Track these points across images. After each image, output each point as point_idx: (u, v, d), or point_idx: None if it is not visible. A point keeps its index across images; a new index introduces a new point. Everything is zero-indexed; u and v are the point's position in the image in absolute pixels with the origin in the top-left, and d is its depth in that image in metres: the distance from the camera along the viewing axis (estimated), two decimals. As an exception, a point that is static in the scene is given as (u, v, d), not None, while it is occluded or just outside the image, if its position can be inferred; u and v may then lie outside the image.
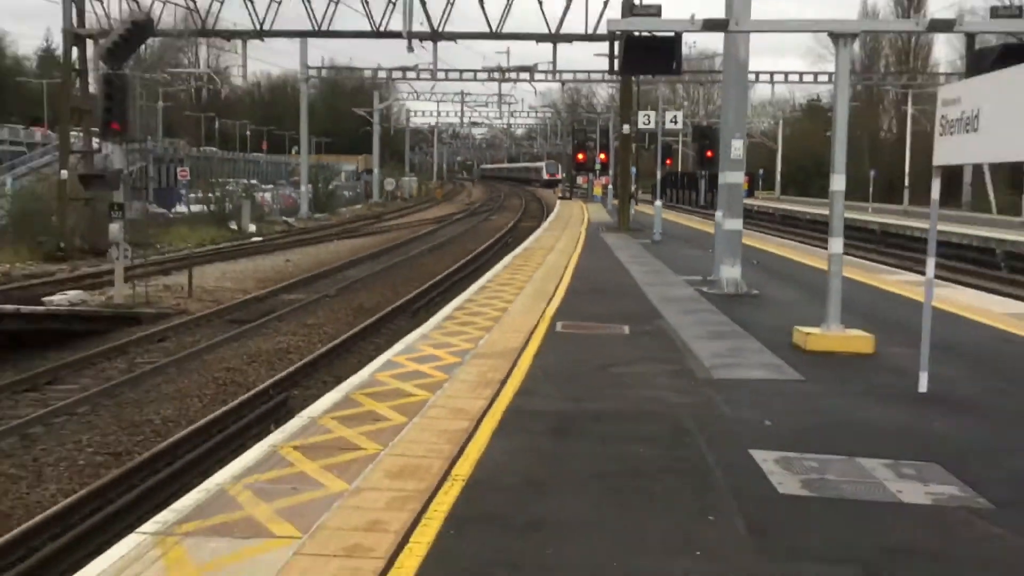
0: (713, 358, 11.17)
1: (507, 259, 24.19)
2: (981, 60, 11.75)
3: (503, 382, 9.55)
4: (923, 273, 23.55)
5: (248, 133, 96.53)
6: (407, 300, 23.86)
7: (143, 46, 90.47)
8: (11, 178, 45.79)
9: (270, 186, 70.32)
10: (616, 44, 15.79)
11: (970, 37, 12.04)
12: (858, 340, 11.81)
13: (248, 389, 14.63)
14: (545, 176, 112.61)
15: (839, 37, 11.71)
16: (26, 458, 11.31)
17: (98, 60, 22.93)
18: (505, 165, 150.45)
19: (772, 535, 5.79)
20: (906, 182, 56.40)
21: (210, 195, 48.31)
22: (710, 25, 11.82)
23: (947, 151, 9.36)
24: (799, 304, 16.42)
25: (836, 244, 12.04)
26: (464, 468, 6.78)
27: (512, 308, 14.79)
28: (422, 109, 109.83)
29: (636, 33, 11.83)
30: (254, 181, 70.62)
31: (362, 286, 27.76)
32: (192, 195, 52.69)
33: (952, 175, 68.15)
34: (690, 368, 10.63)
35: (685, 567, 5.24)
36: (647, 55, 11.82)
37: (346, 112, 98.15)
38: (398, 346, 11.64)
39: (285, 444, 7.22)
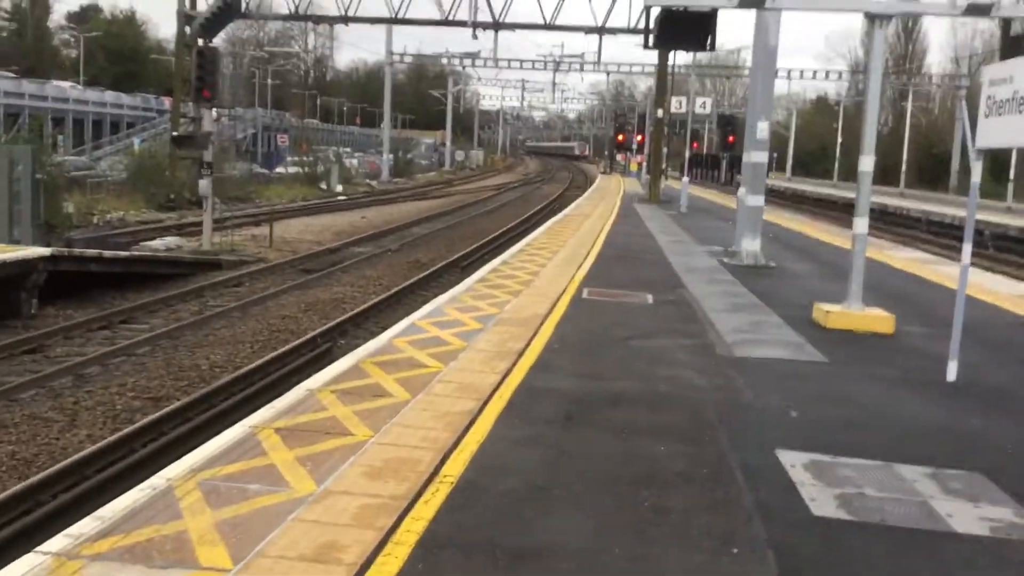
0: (734, 333, 9.19)
1: (547, 224, 22.21)
2: (1018, 45, 9.50)
3: (520, 353, 7.68)
4: (927, 252, 21.12)
5: (345, 109, 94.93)
6: (460, 256, 22.02)
7: (261, 31, 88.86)
8: (139, 139, 44.48)
9: (360, 153, 68.61)
10: (651, 21, 13.50)
11: (1006, 23, 9.81)
12: (879, 320, 9.77)
13: (298, 336, 12.92)
14: (576, 152, 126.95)
15: (875, 18, 9.55)
16: (68, 400, 9.67)
17: (194, 35, 21.25)
18: (544, 144, 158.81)
19: (810, 582, 3.91)
20: (903, 168, 53.29)
21: (304, 158, 46.72)
22: (747, 1, 9.71)
23: (994, 133, 7.27)
24: (813, 277, 14.35)
25: (861, 224, 9.94)
26: (457, 465, 4.94)
27: (543, 272, 12.87)
28: (490, 93, 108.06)
29: (672, 8, 9.75)
30: (347, 149, 68.94)
31: (422, 242, 25.95)
32: (292, 159, 51.15)
33: (942, 159, 64.74)
34: (711, 343, 8.68)
35: (703, 636, 3.38)
36: (682, 30, 9.76)
37: (428, 94, 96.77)
38: (426, 308, 9.80)
39: (266, 425, 5.42)
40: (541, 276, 12.41)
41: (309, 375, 8.48)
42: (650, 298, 11.10)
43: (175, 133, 21.90)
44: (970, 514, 4.79)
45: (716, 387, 7.01)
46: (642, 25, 28.78)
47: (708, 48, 9.78)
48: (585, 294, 11.11)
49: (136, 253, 18.29)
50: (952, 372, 7.65)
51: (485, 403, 6.14)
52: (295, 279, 18.18)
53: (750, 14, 15.40)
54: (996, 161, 52.24)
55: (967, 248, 7.75)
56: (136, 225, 26.39)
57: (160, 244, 22.16)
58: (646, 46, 23.63)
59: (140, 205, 30.64)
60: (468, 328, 8.65)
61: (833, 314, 9.77)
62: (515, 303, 10.14)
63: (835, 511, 4.72)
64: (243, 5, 25.64)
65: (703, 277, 13.32)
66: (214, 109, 21.62)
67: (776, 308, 10.79)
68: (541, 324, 8.98)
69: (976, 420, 6.55)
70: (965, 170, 57.84)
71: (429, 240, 26.60)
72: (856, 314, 9.76)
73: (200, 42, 20.68)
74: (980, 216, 31.32)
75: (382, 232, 27.64)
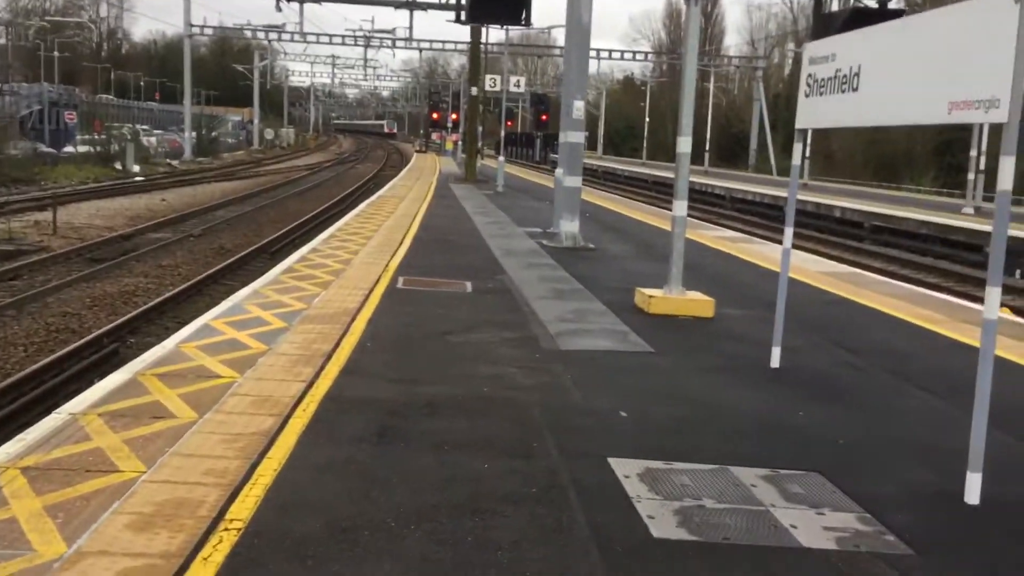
0: (558, 323, 8.76)
1: (361, 206, 21.30)
2: (829, 23, 9.53)
3: (329, 355, 6.93)
4: (734, 230, 21.61)
5: (142, 84, 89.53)
6: (268, 241, 20.79)
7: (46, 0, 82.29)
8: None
9: (159, 131, 64.68)
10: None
11: (817, 1, 9.80)
12: (699, 304, 9.60)
13: (80, 336, 11.58)
14: (386, 130, 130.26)
15: (691, -5, 9.32)
16: None
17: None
18: (355, 121, 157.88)
19: (658, 629, 3.42)
20: (707, 147, 55.24)
21: (97, 136, 43.45)
22: (562, -26, 9.25)
23: (815, 113, 7.08)
24: (632, 258, 14.25)
25: (680, 207, 9.75)
26: (247, 504, 4.18)
27: (356, 260, 12.07)
28: (300, 69, 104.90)
29: (485, -21, 9.15)
30: (145, 127, 64.78)
31: (227, 226, 24.44)
32: (83, 137, 47.45)
33: (740, 139, 67.67)
34: (535, 335, 8.20)
35: None
36: (495, 4, 9.20)
37: (233, 68, 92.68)
38: (223, 305, 8.83)
39: (11, 464, 4.44)
40: (353, 264, 11.62)
41: (91, 382, 7.44)
42: (469, 286, 10.54)
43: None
44: (814, 524, 4.46)
45: (542, 386, 6.51)
46: (453, 1, 28.17)
47: (524, 23, 9.30)
48: (400, 283, 10.43)
49: None
50: (776, 358, 7.49)
51: (286, 420, 5.38)
52: (81, 270, 16.51)
53: (563, -9, 15.03)
54: (791, 137, 55.02)
55: (788, 232, 7.59)
56: None
57: (-77, 233, 19.75)
58: (458, 20, 22.85)
59: (-98, 189, 27.51)
60: (271, 327, 7.80)
61: (655, 299, 9.52)
62: (324, 296, 9.33)
63: (675, 530, 4.28)
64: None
65: (523, 261, 12.91)
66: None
67: (598, 293, 10.48)
68: (352, 320, 8.23)
69: (804, 410, 6.34)
70: (762, 147, 60.77)
71: (235, 224, 25.10)
72: (677, 299, 9.56)
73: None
74: (779, 192, 32.72)
75: (183, 216, 25.88)
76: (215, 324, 7.83)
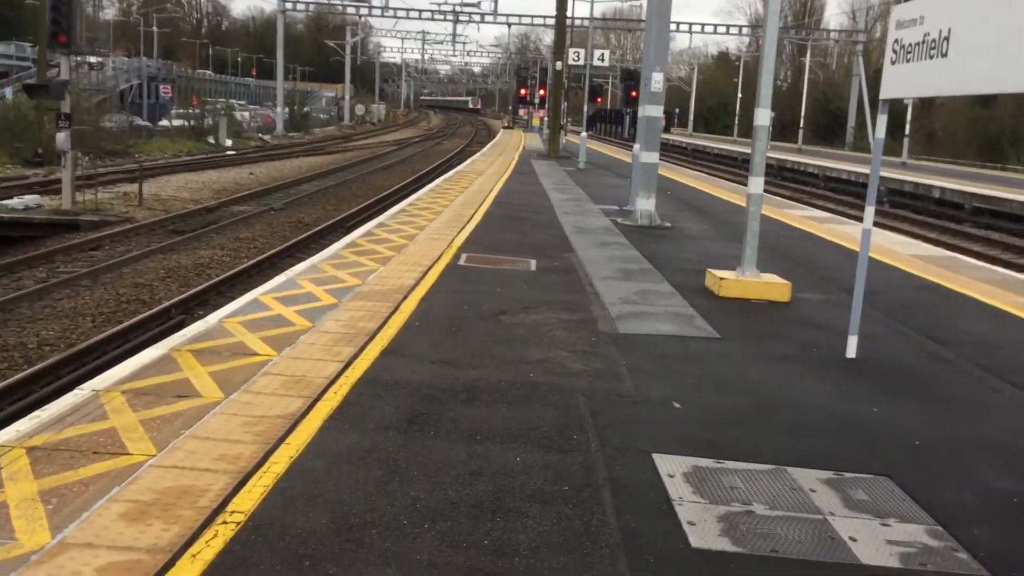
0: (621, 304, 8.32)
1: (437, 181, 21.07)
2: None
3: (373, 334, 6.63)
4: (824, 209, 20.72)
5: (239, 60, 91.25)
6: (346, 216, 20.74)
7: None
8: (10, 90, 41.33)
9: (254, 106, 65.78)
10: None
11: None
12: (774, 287, 9.02)
13: (149, 308, 11.62)
14: (471, 106, 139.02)
15: (773, -43, 8.68)
16: None
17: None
18: (440, 98, 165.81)
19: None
20: (801, 124, 53.42)
21: (192, 111, 44.31)
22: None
23: (902, 81, 6.47)
24: (709, 238, 13.64)
25: (756, 184, 9.14)
26: (253, 494, 3.90)
27: (421, 235, 11.79)
28: (391, 45, 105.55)
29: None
30: (242, 102, 66.02)
31: (309, 200, 24.52)
32: (178, 111, 48.46)
33: (838, 115, 65.34)
34: (594, 318, 7.77)
35: None
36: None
37: (328, 45, 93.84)
38: (276, 280, 8.63)
39: (19, 443, 4.26)
40: (417, 240, 11.34)
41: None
42: (533, 264, 10.16)
43: (26, 82, 19.90)
44: (877, 537, 3.98)
45: (593, 373, 6.11)
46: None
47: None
48: (462, 260, 10.10)
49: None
50: (852, 348, 6.93)
51: (314, 402, 5.10)
52: (160, 241, 16.69)
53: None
54: (891, 115, 52.79)
55: (870, 211, 6.98)
56: (-6, 182, 24.30)
57: (17, 203, 20.24)
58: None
59: (3, 161, 28.34)
60: (320, 304, 7.56)
61: (726, 281, 8.98)
62: (381, 272, 9.06)
63: (717, 539, 3.86)
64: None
65: (594, 239, 12.45)
66: (75, 56, 19.69)
67: (668, 274, 9.98)
68: (405, 298, 7.93)
69: (880, 406, 5.80)
70: (861, 126, 58.64)
71: (317, 198, 25.19)
72: (750, 281, 9.00)
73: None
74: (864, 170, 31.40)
75: (268, 189, 26.10)
76: (264, 299, 7.63)
